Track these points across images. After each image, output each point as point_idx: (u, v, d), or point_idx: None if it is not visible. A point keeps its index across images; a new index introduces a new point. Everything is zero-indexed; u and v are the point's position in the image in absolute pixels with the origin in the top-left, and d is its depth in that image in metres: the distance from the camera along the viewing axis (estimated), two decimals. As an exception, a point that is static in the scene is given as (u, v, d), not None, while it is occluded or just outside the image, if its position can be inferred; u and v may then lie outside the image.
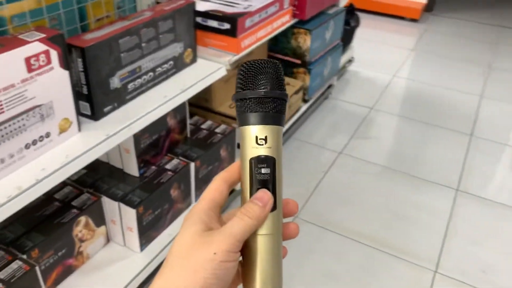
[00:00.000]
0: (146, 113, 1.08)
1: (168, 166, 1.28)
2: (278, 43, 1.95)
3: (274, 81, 0.41)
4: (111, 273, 1.16)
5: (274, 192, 0.40)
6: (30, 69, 0.82)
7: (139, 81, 1.12)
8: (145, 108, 1.09)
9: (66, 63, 0.90)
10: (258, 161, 0.40)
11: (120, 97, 1.08)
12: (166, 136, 1.32)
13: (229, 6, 1.43)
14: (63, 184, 1.20)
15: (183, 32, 1.23)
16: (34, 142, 0.89)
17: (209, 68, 1.32)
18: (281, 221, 0.41)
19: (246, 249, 0.39)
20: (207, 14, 1.38)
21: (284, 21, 1.67)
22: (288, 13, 1.68)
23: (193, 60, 1.32)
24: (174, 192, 1.27)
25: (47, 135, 0.91)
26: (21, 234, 1.03)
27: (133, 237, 1.19)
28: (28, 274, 0.95)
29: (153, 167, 1.28)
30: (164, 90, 1.17)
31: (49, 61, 0.86)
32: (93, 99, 1.01)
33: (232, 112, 1.65)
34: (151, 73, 1.16)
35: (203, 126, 1.48)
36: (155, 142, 1.28)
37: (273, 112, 0.40)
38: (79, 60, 0.96)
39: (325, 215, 1.65)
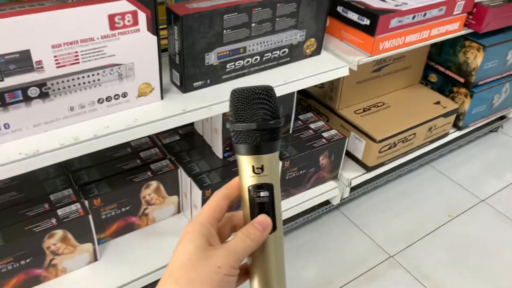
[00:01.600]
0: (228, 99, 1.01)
1: (254, 157, 1.20)
2: (442, 53, 1.65)
3: (266, 110, 0.41)
4: (167, 242, 1.16)
5: (273, 214, 0.42)
6: (113, 26, 0.82)
7: (240, 62, 1.05)
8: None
9: (154, 28, 0.87)
10: (257, 187, 0.42)
11: (215, 75, 1.02)
12: (262, 126, 1.23)
13: (379, 0, 1.24)
14: (154, 144, 1.22)
15: (308, 19, 1.10)
16: (108, 99, 0.89)
17: (331, 64, 1.17)
18: (282, 239, 0.44)
19: (253, 263, 0.43)
20: (348, 5, 1.22)
21: (450, 30, 1.38)
22: (459, 21, 1.38)
23: (316, 52, 1.19)
24: (252, 186, 1.19)
25: (124, 95, 0.91)
26: (94, 180, 1.08)
27: (197, 217, 1.16)
28: (81, 219, 0.99)
29: (240, 154, 1.21)
30: (266, 78, 1.08)
31: (135, 23, 0.84)
32: (183, 71, 0.97)
33: (355, 119, 1.47)
34: (257, 57, 1.07)
35: (311, 126, 1.35)
36: (248, 129, 1.20)
37: (267, 141, 0.41)
38: (176, 28, 0.93)
39: (428, 266, 1.38)
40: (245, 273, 0.45)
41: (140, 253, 1.13)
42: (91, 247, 1.05)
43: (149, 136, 1.24)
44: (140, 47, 0.87)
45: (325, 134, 1.31)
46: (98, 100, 0.88)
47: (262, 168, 0.41)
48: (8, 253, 0.93)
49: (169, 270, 0.39)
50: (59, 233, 0.97)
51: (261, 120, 0.40)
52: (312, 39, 1.15)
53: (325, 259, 1.36)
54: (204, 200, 1.12)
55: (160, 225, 1.21)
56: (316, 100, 1.57)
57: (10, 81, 0.76)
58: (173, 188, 1.17)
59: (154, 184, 1.12)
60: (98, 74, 0.85)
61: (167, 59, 1.01)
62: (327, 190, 1.39)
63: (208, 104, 0.98)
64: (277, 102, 0.42)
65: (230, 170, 1.16)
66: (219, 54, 1.00)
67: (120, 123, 0.89)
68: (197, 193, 1.10)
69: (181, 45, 0.94)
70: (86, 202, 1.03)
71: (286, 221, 1.36)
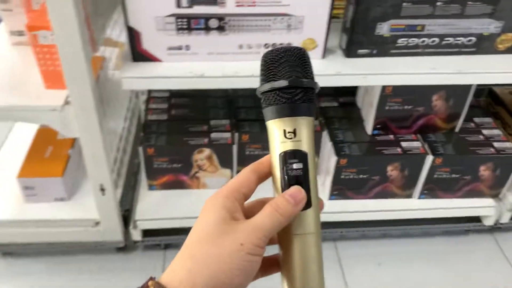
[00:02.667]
0: (393, 73, 0.98)
1: (403, 144, 1.15)
2: None
3: (298, 69, 0.38)
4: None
5: (308, 189, 0.38)
6: (293, -23, 0.88)
7: (414, 40, 1.00)
8: (399, 68, 0.99)
9: (330, -13, 0.90)
10: (289, 155, 0.38)
11: (383, 47, 1.00)
12: (423, 115, 1.16)
13: None
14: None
15: (510, 10, 0.97)
16: (274, 45, 0.97)
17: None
18: (318, 219, 0.38)
19: (284, 249, 0.38)
20: None
21: None
22: None
23: (510, 50, 1.04)
24: (392, 171, 1.14)
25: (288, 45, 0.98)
26: (249, 119, 1.20)
27: (328, 182, 1.19)
28: (227, 146, 1.13)
29: (390, 136, 1.17)
30: (438, 62, 1.00)
31: (314, -22, 0.89)
32: (351, 35, 0.98)
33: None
34: (435, 39, 1.00)
35: (484, 131, 1.20)
36: (405, 113, 1.15)
37: (300, 102, 0.38)
38: (354, -9, 0.94)
39: None
40: (274, 263, 0.40)
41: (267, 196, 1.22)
42: (229, 174, 1.19)
43: (311, 96, 1.30)
44: (314, 2, 0.92)
45: (496, 144, 1.16)
46: (264, 45, 0.97)
47: (294, 133, 0.37)
48: (166, 154, 1.13)
49: (187, 244, 0.35)
50: (206, 151, 1.13)
51: (293, 77, 0.37)
52: (510, 34, 1.02)
53: (457, 276, 1.24)
54: (338, 169, 1.13)
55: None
56: (506, 108, 1.38)
57: (197, 9, 0.90)
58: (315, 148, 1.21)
59: (298, 138, 1.18)
60: (269, 20, 0.93)
61: (340, 25, 1.03)
62: (481, 206, 1.24)
63: (365, 73, 0.97)
64: (311, 64, 0.39)
65: (374, 147, 1.14)
66: (392, 27, 0.98)
67: (277, 70, 0.96)
68: (333, 159, 1.12)
69: (354, 9, 0.95)
70: (236, 135, 1.15)
71: (420, 222, 1.27)
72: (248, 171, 0.39)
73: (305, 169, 0.37)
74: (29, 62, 1.02)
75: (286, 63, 0.38)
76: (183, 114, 1.21)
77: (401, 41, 1.00)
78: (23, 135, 1.33)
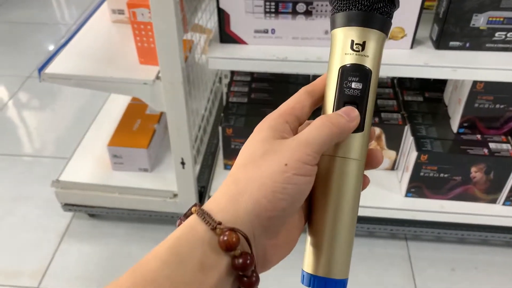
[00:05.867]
0: (486, 68, 0.92)
1: (492, 145, 1.08)
2: None
3: None
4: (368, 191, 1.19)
5: (363, 112, 0.33)
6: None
7: (514, 34, 0.93)
8: (493, 63, 0.93)
9: (426, -26, 0.87)
10: (350, 70, 0.33)
11: (478, 40, 0.95)
12: (517, 115, 1.08)
13: None
14: (394, 97, 1.23)
15: None
16: (360, 33, 0.96)
17: None
18: (365, 147, 0.34)
19: (321, 173, 0.33)
20: None
21: None
22: None
23: None
24: (476, 173, 1.08)
25: (375, 33, 0.96)
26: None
27: (405, 178, 1.15)
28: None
29: (477, 136, 1.10)
30: (539, 60, 0.93)
31: (408, -36, 0.86)
32: (443, 26, 0.94)
33: None
34: (540, 33, 0.93)
35: None
36: (496, 112, 1.08)
37: (377, 13, 0.33)
38: (450, -21, 0.89)
39: None
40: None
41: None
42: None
43: (394, 90, 1.26)
44: (405, -10, 0.89)
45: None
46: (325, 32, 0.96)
47: (363, 46, 0.33)
48: (244, 135, 1.16)
49: (232, 169, 0.32)
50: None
51: None
52: None
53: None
54: (417, 164, 1.09)
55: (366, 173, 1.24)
56: None
57: (286, -7, 0.91)
58: (394, 143, 1.18)
59: (377, 130, 1.16)
60: (358, 6, 0.92)
61: (432, 16, 0.99)
62: None
63: (455, 66, 0.93)
64: None
65: (458, 146, 1.08)
66: (490, 19, 0.92)
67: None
68: (413, 154, 1.09)
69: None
70: (313, 122, 1.16)
71: (503, 230, 1.19)
72: (301, 93, 0.34)
73: (365, 90, 0.33)
74: (126, 39, 1.10)
75: None
76: (262, 98, 1.24)
77: (498, 35, 0.94)
78: (116, 108, 1.44)
